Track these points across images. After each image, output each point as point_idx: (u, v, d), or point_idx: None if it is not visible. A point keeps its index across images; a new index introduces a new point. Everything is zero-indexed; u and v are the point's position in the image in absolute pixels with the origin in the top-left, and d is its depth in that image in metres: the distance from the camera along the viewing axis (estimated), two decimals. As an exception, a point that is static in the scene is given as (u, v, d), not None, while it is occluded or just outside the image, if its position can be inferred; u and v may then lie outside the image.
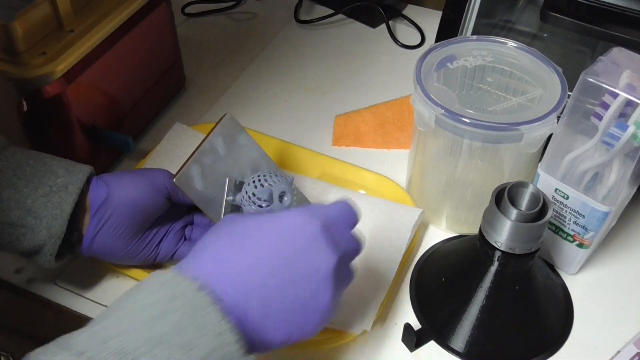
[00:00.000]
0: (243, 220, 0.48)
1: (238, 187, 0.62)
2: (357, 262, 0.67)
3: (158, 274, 0.43)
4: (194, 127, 0.79)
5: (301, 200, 0.69)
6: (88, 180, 0.59)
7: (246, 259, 0.45)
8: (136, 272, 0.64)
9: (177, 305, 0.41)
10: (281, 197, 0.60)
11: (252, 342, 0.44)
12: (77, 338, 0.40)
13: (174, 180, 0.58)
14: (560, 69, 0.65)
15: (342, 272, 0.49)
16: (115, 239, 0.60)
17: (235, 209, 0.62)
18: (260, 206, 0.59)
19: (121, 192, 0.60)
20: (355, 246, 0.52)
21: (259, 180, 0.60)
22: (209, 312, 0.41)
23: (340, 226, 0.51)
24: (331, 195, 0.72)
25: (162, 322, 0.40)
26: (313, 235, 0.47)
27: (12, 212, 0.56)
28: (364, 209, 0.70)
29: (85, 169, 0.59)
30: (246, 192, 0.60)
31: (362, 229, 0.68)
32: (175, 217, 0.65)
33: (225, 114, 0.64)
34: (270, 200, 0.60)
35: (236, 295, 0.43)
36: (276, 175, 0.61)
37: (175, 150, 0.76)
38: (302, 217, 0.48)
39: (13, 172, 0.57)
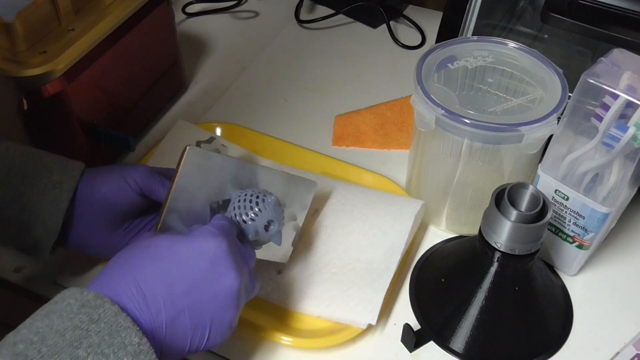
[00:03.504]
0: (155, 240, 0.50)
1: (223, 206, 0.59)
2: (360, 253, 0.67)
3: (75, 293, 0.45)
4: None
5: (297, 184, 0.65)
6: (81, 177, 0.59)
7: (159, 280, 0.48)
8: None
9: (98, 327, 0.43)
10: (267, 226, 0.58)
11: (162, 353, 0.47)
12: None
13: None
14: (560, 70, 0.65)
15: (246, 287, 0.53)
16: (93, 235, 0.59)
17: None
18: (248, 240, 0.58)
19: (89, 190, 0.59)
20: (252, 254, 0.57)
21: (241, 215, 0.57)
22: (129, 334, 0.44)
23: (239, 243, 0.54)
24: (333, 189, 0.72)
25: (85, 344, 0.42)
26: (221, 257, 0.50)
27: (7, 209, 0.56)
28: (366, 200, 0.70)
29: (78, 165, 0.59)
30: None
31: (365, 219, 0.69)
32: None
33: (185, 147, 0.56)
34: (255, 235, 0.57)
35: (150, 315, 0.47)
36: (256, 202, 0.57)
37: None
38: (212, 239, 0.51)
39: (8, 169, 0.57)
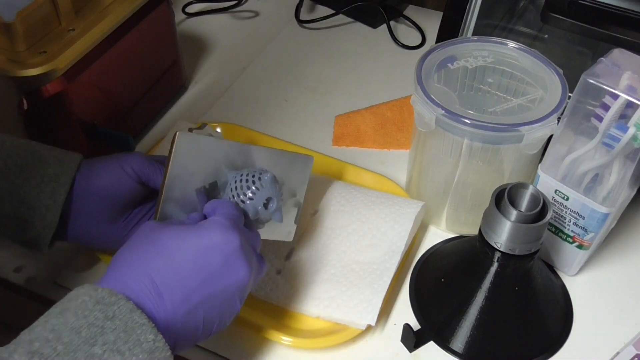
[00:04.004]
0: (163, 233, 0.50)
1: (209, 190, 0.58)
2: (360, 253, 0.67)
3: (89, 290, 0.45)
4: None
5: (293, 160, 0.64)
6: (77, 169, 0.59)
7: (174, 275, 0.48)
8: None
9: (113, 324, 0.43)
10: (267, 203, 0.58)
11: (175, 346, 0.47)
12: (15, 356, 0.41)
13: None
14: (560, 70, 0.65)
15: (255, 274, 0.53)
16: (92, 226, 0.59)
17: None
18: (249, 220, 0.57)
19: (87, 181, 0.58)
20: (257, 237, 0.56)
21: (238, 196, 0.57)
22: (144, 330, 0.44)
23: (246, 229, 0.54)
24: (333, 190, 0.72)
25: (101, 341, 0.42)
26: (234, 252, 0.50)
27: (5, 203, 0.56)
28: (366, 201, 0.70)
29: (75, 158, 0.59)
30: None
31: (365, 220, 0.69)
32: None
33: (175, 134, 0.55)
34: (255, 214, 0.57)
35: (166, 310, 0.47)
36: (253, 181, 0.57)
37: None
38: (223, 233, 0.50)
39: (4, 163, 0.57)
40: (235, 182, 0.57)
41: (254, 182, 0.57)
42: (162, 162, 0.61)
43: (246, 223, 0.56)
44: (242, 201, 0.57)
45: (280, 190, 0.59)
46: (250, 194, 0.57)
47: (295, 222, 0.64)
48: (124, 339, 0.43)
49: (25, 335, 0.42)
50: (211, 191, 0.58)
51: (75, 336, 0.42)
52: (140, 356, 0.43)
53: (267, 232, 0.61)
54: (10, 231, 0.57)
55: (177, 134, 0.55)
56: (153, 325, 0.44)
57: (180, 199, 0.56)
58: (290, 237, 0.64)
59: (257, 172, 0.58)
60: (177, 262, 0.48)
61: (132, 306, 0.44)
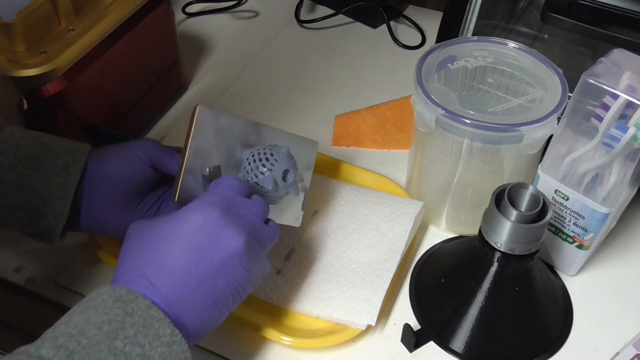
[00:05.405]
0: (152, 226, 0.51)
1: (213, 172, 0.58)
2: (359, 254, 0.67)
3: (108, 290, 0.47)
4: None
5: (301, 144, 0.66)
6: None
7: (164, 264, 0.49)
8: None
9: (133, 320, 0.45)
10: (284, 176, 0.59)
11: (189, 337, 0.48)
12: (41, 350, 0.42)
13: (175, 201, 0.56)
14: (560, 70, 0.65)
15: (259, 237, 0.53)
16: (106, 213, 0.59)
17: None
18: (268, 192, 0.58)
19: (98, 168, 0.59)
20: (260, 203, 0.55)
21: (257, 168, 0.58)
22: (161, 325, 0.46)
23: (240, 199, 0.54)
24: (333, 190, 0.72)
25: (122, 335, 0.44)
26: (216, 226, 0.50)
27: (15, 194, 0.56)
28: (366, 201, 0.70)
29: (85, 147, 0.59)
30: (248, 181, 0.58)
31: (365, 220, 0.69)
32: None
33: (195, 106, 0.57)
34: (275, 185, 0.58)
35: (175, 304, 0.48)
36: (271, 154, 0.58)
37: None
38: (201, 212, 0.50)
39: (13, 154, 0.57)
40: (253, 155, 0.59)
41: (272, 155, 0.58)
42: (174, 148, 0.62)
43: (259, 195, 0.57)
44: (262, 173, 0.58)
45: (296, 165, 0.61)
46: (270, 165, 0.58)
47: (302, 209, 0.65)
48: (143, 333, 0.44)
49: (49, 332, 0.44)
50: (215, 174, 0.59)
51: (98, 331, 0.44)
52: (160, 349, 0.45)
53: (275, 217, 0.61)
54: (21, 223, 0.57)
55: (198, 107, 0.57)
56: (169, 321, 0.46)
57: (199, 172, 0.57)
58: (298, 223, 0.64)
59: (273, 146, 0.60)
60: (167, 252, 0.49)
61: (150, 303, 0.46)
